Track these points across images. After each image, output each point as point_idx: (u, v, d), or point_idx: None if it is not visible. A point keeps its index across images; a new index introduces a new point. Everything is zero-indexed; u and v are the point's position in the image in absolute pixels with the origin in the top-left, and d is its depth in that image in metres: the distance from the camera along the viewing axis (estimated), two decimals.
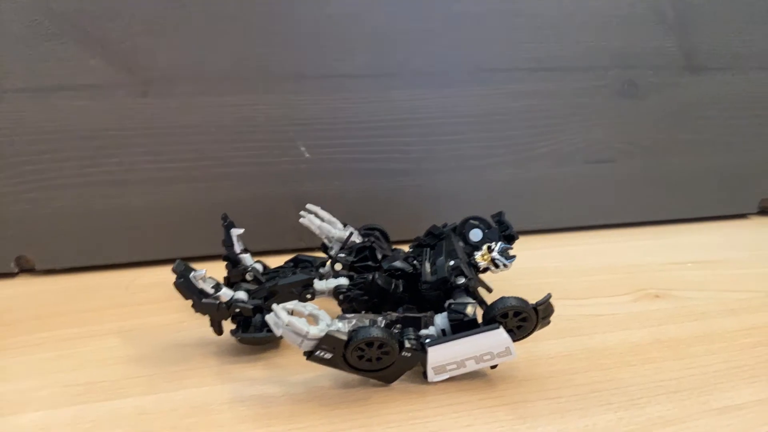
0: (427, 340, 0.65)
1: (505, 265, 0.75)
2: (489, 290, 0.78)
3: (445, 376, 0.66)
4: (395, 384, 0.67)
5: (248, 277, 0.79)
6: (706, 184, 1.19)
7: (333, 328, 0.63)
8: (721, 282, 0.94)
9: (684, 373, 0.70)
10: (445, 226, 0.83)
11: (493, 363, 0.66)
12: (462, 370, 0.66)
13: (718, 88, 1.13)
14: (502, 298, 0.66)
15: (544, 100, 1.06)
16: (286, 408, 0.64)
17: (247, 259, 0.81)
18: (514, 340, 0.66)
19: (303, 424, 0.61)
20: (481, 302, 0.72)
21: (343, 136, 1.00)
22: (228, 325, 0.74)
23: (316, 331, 0.62)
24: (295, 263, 0.82)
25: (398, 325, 0.68)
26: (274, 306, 0.63)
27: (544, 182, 1.09)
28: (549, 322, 0.67)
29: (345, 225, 0.84)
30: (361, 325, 0.65)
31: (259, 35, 0.94)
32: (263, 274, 0.80)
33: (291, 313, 0.64)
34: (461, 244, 0.82)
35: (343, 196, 1.00)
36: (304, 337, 0.61)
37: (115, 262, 0.99)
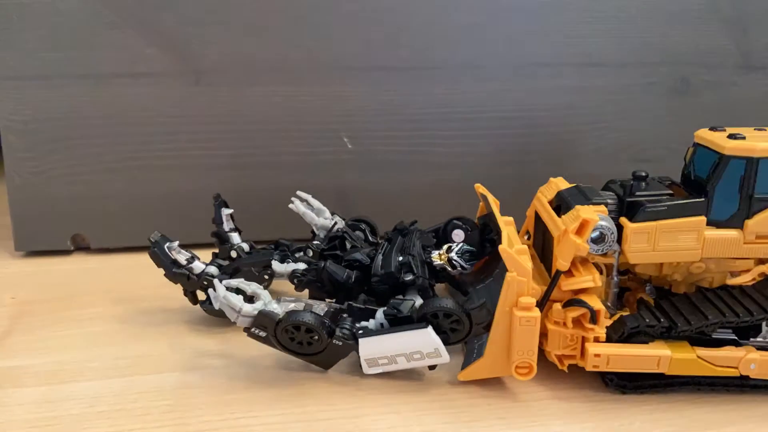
0: (360, 332, 0.66)
1: (463, 267, 0.75)
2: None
3: (379, 369, 0.66)
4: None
5: (233, 254, 0.83)
6: None
7: (268, 308, 0.66)
8: None
9: None
10: (414, 223, 0.82)
11: (424, 363, 0.65)
12: (394, 366, 0.66)
13: None
14: (436, 298, 0.66)
15: (591, 97, 1.04)
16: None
17: (235, 237, 0.85)
18: (449, 344, 0.66)
19: (235, 395, 0.66)
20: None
21: (386, 128, 1.01)
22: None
23: (250, 308, 0.65)
24: (276, 246, 0.84)
25: (345, 315, 0.69)
26: (215, 281, 0.68)
27: (588, 180, 1.07)
28: (486, 330, 0.65)
29: (333, 214, 0.86)
30: (296, 308, 0.67)
31: (306, 28, 0.96)
32: (247, 253, 0.83)
33: (237, 290, 0.67)
34: (434, 242, 0.82)
35: (384, 187, 1.01)
36: (239, 312, 0.65)
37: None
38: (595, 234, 0.64)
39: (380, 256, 0.74)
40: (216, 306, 0.66)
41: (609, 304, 0.68)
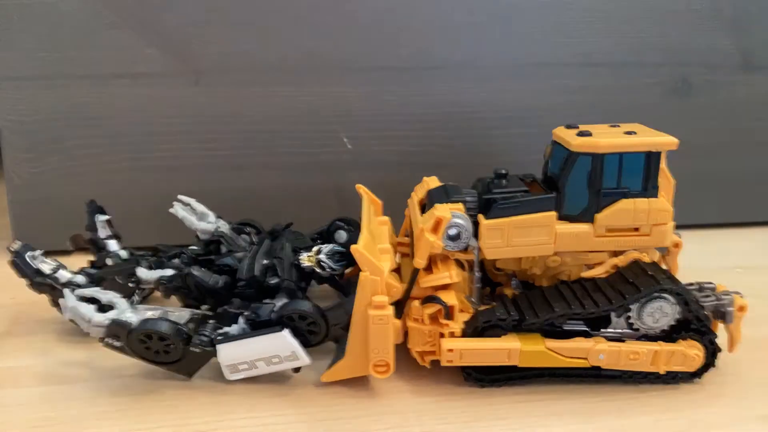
0: (219, 338, 0.65)
1: (332, 269, 0.75)
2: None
3: (241, 375, 0.66)
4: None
5: (108, 262, 0.81)
6: (759, 188, 1.14)
7: (122, 317, 0.64)
8: None
9: (723, 379, 0.69)
10: (289, 225, 0.83)
11: (285, 367, 0.66)
12: (256, 371, 0.66)
13: None
14: (292, 301, 0.67)
15: (591, 96, 1.04)
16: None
17: (113, 245, 0.83)
18: (310, 346, 0.67)
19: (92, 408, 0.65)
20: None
21: (386, 129, 1.01)
22: None
23: (101, 318, 0.64)
24: (154, 252, 0.83)
25: (212, 320, 0.69)
26: (65, 291, 0.66)
27: None
28: (345, 331, 0.66)
29: (219, 218, 0.85)
30: (152, 317, 0.66)
31: (306, 28, 0.96)
32: (124, 260, 0.81)
33: (92, 300, 0.66)
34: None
35: (384, 187, 1.01)
36: (89, 323, 0.64)
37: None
38: (453, 231, 0.65)
39: (246, 260, 0.74)
40: (66, 317, 0.65)
41: (473, 299, 0.69)
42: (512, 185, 0.70)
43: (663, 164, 0.68)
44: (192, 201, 0.85)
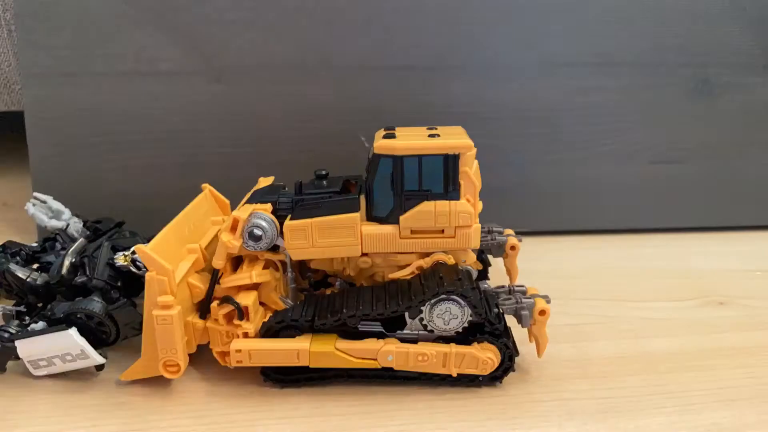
0: (20, 334, 0.65)
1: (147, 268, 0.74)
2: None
3: (43, 371, 0.67)
4: None
5: None
6: None
7: None
8: None
9: (743, 382, 0.69)
10: (121, 224, 0.83)
11: (82, 365, 0.66)
12: (55, 368, 0.66)
13: None
14: (80, 300, 0.67)
15: (610, 96, 1.03)
16: None
17: None
18: (108, 344, 0.67)
19: None
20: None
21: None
22: None
23: None
24: (2, 248, 0.80)
25: (27, 317, 0.69)
26: None
27: (606, 181, 1.06)
28: (137, 331, 0.66)
29: (75, 216, 0.84)
30: None
31: (324, 26, 0.97)
32: None
33: None
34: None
35: None
36: None
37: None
38: (256, 232, 0.65)
39: (58, 259, 0.74)
40: None
41: (288, 299, 0.70)
42: (331, 186, 0.71)
43: (468, 167, 0.67)
44: (48, 198, 0.85)
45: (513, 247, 0.80)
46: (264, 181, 0.79)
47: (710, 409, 0.65)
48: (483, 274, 0.79)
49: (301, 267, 0.73)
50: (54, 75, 0.96)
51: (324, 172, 0.72)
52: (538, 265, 0.95)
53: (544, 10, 0.98)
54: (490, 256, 0.82)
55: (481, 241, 0.71)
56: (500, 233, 0.82)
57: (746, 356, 0.74)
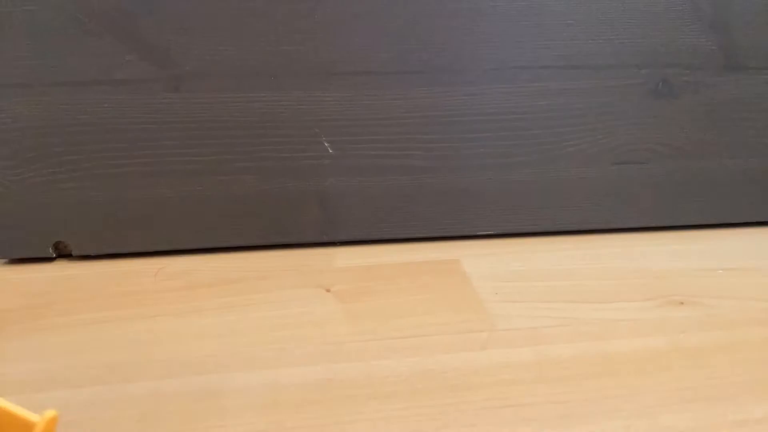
0: None
1: None
2: None
3: None
4: None
5: None
6: (741, 189, 1.13)
7: None
8: (750, 290, 0.91)
9: (703, 383, 0.69)
10: None
11: None
12: None
13: (757, 88, 1.06)
14: None
15: (571, 99, 1.06)
16: None
17: None
18: None
19: None
20: None
21: (366, 133, 1.07)
22: None
23: None
24: None
25: None
26: None
27: (569, 183, 1.08)
28: None
29: None
30: None
31: (285, 32, 0.96)
32: None
33: None
34: None
35: (365, 191, 1.01)
36: None
37: (146, 250, 1.02)
38: None
39: None
40: None
41: None
42: None
43: None
44: None
45: None
46: None
47: (669, 411, 0.65)
48: None
49: None
50: (8, 86, 0.94)
51: None
52: (498, 267, 0.97)
53: (502, 15, 0.99)
54: None
55: None
56: None
57: (706, 356, 0.74)
